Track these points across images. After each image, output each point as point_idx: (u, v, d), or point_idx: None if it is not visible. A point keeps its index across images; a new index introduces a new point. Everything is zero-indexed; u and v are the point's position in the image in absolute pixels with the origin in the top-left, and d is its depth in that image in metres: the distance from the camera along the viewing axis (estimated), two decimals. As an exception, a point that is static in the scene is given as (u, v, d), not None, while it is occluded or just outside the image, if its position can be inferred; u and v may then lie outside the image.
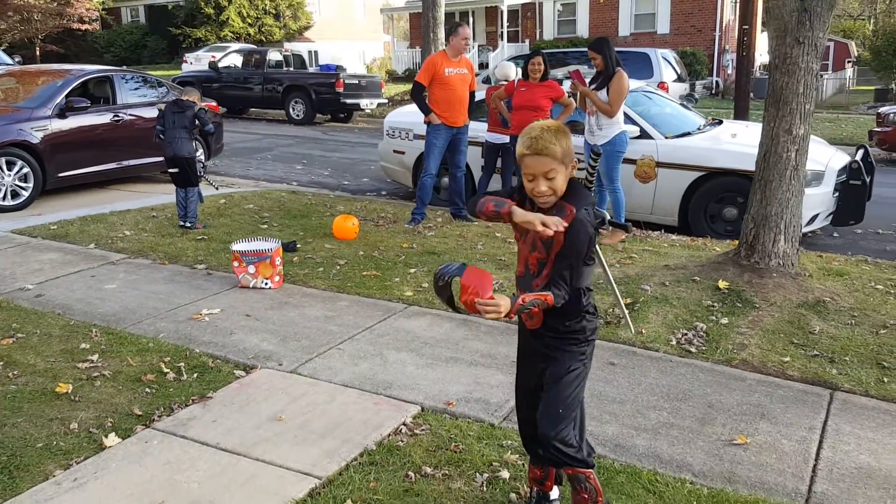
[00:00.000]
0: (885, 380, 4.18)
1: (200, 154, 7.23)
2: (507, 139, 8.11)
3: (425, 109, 7.66)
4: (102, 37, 37.77)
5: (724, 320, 4.96)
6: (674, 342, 4.64)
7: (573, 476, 2.73)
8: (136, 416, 3.72)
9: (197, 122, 7.31)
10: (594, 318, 2.70)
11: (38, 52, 34.41)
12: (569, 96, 7.75)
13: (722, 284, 5.44)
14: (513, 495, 3.06)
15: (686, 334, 4.73)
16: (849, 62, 36.33)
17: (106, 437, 3.49)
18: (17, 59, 27.50)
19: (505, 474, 3.21)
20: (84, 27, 35.46)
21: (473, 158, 8.68)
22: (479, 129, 8.52)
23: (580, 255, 2.52)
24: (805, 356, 4.47)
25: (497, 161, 8.36)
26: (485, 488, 3.12)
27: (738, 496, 3.09)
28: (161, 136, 7.28)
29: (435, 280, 2.50)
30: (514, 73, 8.51)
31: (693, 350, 4.53)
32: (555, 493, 2.98)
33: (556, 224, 2.39)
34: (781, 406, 3.89)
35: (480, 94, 8.53)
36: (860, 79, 33.96)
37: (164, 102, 8.00)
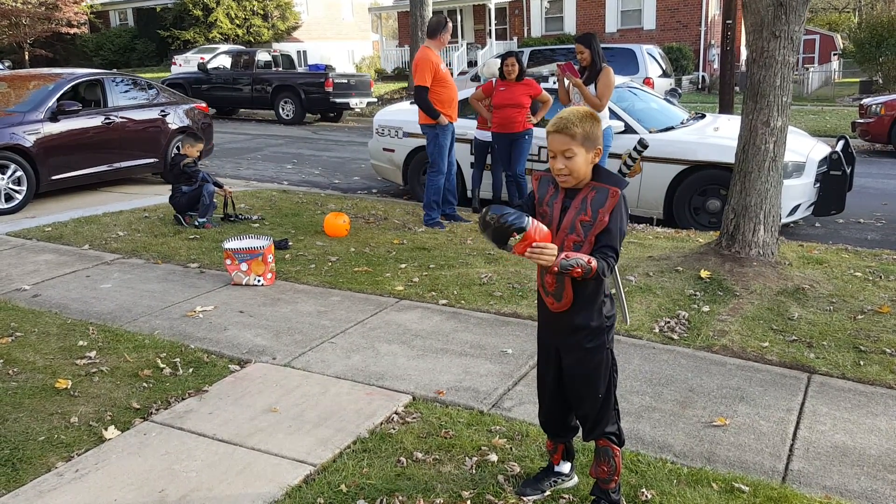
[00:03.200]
0: (862, 363, 4.31)
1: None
2: (490, 136, 8.22)
3: (435, 113, 7.43)
4: (91, 40, 37.71)
5: (706, 308, 5.10)
6: (657, 330, 4.78)
7: (603, 448, 2.87)
8: (135, 410, 3.82)
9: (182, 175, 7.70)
10: (611, 303, 2.82)
11: (26, 57, 34.38)
12: (555, 79, 7.88)
13: (704, 274, 5.57)
14: (500, 477, 3.18)
15: (669, 322, 4.86)
16: (834, 55, 36.54)
17: (105, 429, 3.60)
18: (6, 64, 27.49)
19: (493, 457, 3.33)
20: (73, 31, 35.43)
21: (463, 156, 8.79)
22: (467, 127, 8.63)
23: (623, 233, 2.65)
24: (784, 341, 4.61)
25: (487, 157, 8.47)
26: (474, 471, 3.24)
27: (717, 475, 3.22)
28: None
29: (489, 220, 2.46)
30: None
31: (675, 337, 4.67)
32: (564, 467, 3.11)
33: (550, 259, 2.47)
34: (760, 389, 4.03)
35: (468, 92, 8.65)
36: (846, 71, 34.18)
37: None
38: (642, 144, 3.02)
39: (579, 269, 2.52)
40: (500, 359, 4.41)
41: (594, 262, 2.54)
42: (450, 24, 7.69)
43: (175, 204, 7.70)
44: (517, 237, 2.44)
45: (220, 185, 7.83)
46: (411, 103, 10.22)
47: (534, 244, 2.43)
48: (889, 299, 5.31)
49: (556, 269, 2.50)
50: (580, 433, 3.00)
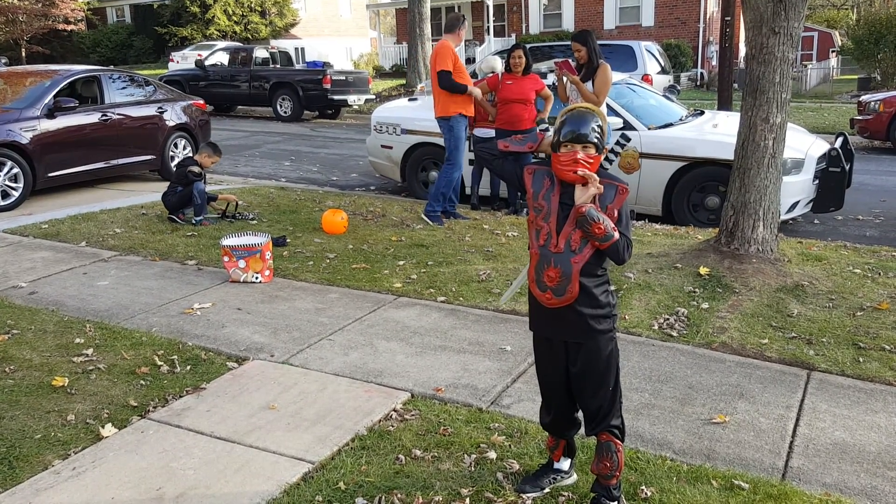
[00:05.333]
0: (861, 360, 4.31)
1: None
2: (493, 133, 8.18)
3: (462, 88, 7.37)
4: (88, 37, 37.61)
5: (705, 305, 5.09)
6: (656, 327, 4.76)
7: (605, 443, 2.85)
8: (132, 408, 3.80)
9: (182, 177, 7.67)
10: (613, 294, 2.84)
11: (23, 54, 34.27)
12: (553, 84, 7.85)
13: (703, 271, 5.56)
14: (499, 474, 3.17)
15: (668, 319, 4.85)
16: (833, 52, 36.59)
17: (103, 427, 3.58)
18: (3, 61, 27.41)
19: (492, 455, 3.31)
20: (69, 28, 35.33)
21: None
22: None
23: (630, 227, 2.72)
24: (783, 338, 4.60)
25: None
26: (472, 468, 3.23)
27: (717, 472, 3.21)
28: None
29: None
30: (500, 65, 8.59)
31: (674, 334, 4.65)
32: (564, 464, 3.11)
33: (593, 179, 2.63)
34: (760, 386, 4.02)
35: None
36: (844, 68, 34.24)
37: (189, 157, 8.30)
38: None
39: (602, 228, 2.58)
40: (499, 356, 4.40)
41: (616, 235, 2.60)
42: (466, 21, 7.65)
43: (166, 202, 7.68)
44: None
45: (213, 199, 7.80)
46: (409, 100, 10.21)
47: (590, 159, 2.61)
48: (888, 296, 5.30)
49: (583, 210, 2.57)
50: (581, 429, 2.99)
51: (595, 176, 2.62)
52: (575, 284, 2.68)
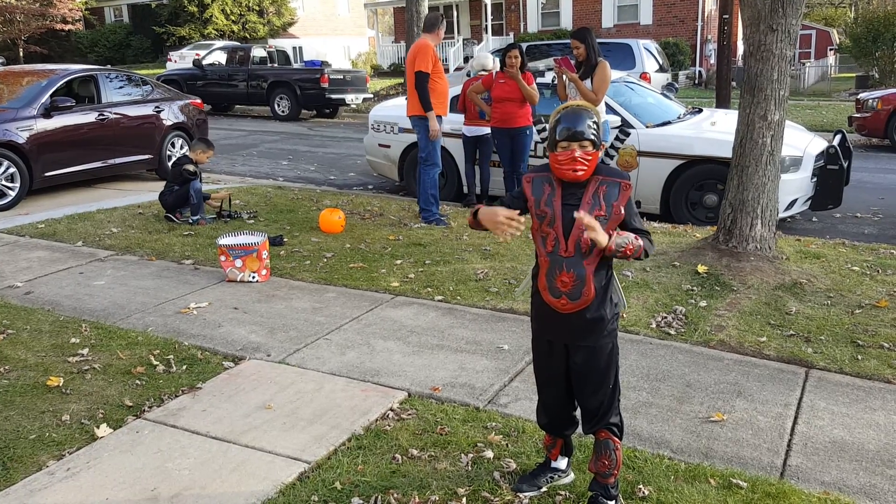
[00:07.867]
0: (859, 357, 4.29)
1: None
2: (483, 131, 8.18)
3: (428, 105, 7.26)
4: (86, 37, 37.55)
5: (703, 303, 5.08)
6: (654, 325, 4.75)
7: (603, 441, 2.83)
8: (127, 408, 3.79)
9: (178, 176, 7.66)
10: (618, 291, 2.82)
11: (21, 54, 34.21)
12: (552, 82, 7.87)
13: (701, 269, 5.55)
14: (496, 473, 3.15)
15: (666, 317, 4.84)
16: (830, 50, 36.61)
17: (97, 427, 3.56)
18: (0, 61, 27.35)
19: (489, 454, 3.30)
20: (67, 27, 35.25)
21: (458, 151, 8.74)
22: (456, 122, 8.55)
23: (641, 219, 2.72)
24: (781, 336, 4.59)
25: (475, 152, 8.42)
26: (469, 468, 3.21)
27: (715, 470, 3.19)
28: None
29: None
30: (491, 63, 8.59)
31: (672, 332, 4.64)
32: (561, 463, 3.09)
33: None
34: (758, 384, 4.00)
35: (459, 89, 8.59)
36: (842, 66, 34.26)
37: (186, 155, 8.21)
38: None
39: (632, 248, 2.59)
40: (496, 355, 4.39)
41: (640, 240, 2.61)
42: (444, 20, 7.65)
43: (163, 202, 7.67)
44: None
45: (207, 198, 7.79)
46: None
47: (585, 221, 2.51)
48: (886, 293, 5.29)
49: (612, 247, 2.56)
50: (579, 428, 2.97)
51: (595, 224, 2.51)
52: (590, 287, 2.64)
